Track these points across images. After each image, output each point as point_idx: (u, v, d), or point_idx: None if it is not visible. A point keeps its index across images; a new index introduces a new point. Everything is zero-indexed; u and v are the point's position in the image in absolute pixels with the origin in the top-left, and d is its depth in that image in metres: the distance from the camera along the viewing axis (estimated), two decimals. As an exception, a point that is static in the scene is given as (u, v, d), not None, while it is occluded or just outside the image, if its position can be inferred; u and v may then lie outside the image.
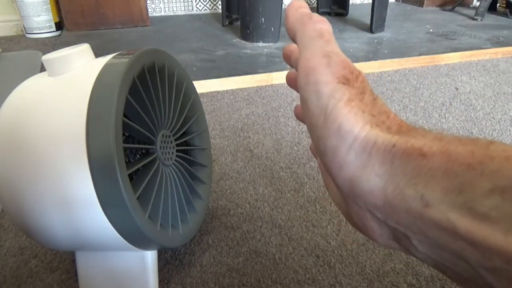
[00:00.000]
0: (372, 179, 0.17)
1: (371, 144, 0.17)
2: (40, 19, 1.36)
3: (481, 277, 0.15)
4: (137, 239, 0.31)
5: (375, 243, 0.19)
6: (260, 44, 1.23)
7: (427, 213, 0.15)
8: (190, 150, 0.48)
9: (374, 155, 0.17)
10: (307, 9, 0.23)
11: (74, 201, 0.29)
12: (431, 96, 0.89)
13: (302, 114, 0.21)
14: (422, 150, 0.16)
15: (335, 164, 0.18)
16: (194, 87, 0.47)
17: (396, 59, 1.08)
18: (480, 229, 0.14)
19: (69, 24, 1.34)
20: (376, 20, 1.35)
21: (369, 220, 0.18)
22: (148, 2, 1.57)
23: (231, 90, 0.92)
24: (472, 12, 1.71)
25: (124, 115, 0.30)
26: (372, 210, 0.18)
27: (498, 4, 1.80)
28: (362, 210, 0.18)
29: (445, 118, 0.79)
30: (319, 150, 0.20)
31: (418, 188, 0.16)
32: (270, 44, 1.23)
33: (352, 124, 0.18)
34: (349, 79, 0.19)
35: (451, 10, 1.81)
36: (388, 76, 1.02)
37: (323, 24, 0.21)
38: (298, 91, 0.21)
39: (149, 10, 1.59)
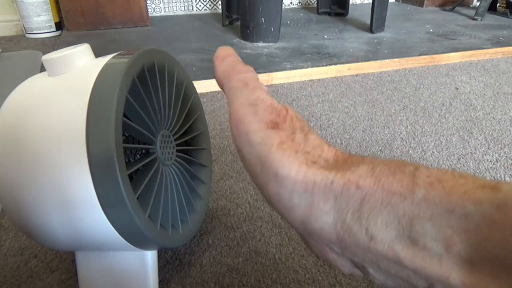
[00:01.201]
0: (320, 217, 0.17)
1: (311, 185, 0.18)
2: (40, 19, 1.36)
3: None
4: (137, 239, 0.31)
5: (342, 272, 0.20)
6: (260, 44, 1.23)
7: (373, 246, 0.16)
8: (190, 150, 0.48)
9: (316, 194, 0.17)
10: (232, 57, 0.23)
11: (74, 201, 0.29)
12: (431, 96, 0.89)
13: (242, 162, 0.21)
14: (358, 183, 0.16)
15: (282, 209, 0.19)
16: (194, 87, 0.47)
17: (396, 59, 1.08)
18: (420, 258, 0.15)
19: (69, 24, 1.34)
20: (376, 20, 1.35)
21: (329, 253, 0.19)
22: (148, 2, 1.57)
23: (231, 90, 0.92)
24: (472, 12, 1.71)
25: (124, 115, 0.30)
26: (329, 245, 0.18)
27: (498, 4, 1.80)
28: (320, 245, 0.19)
29: (445, 118, 0.79)
30: (264, 196, 0.20)
31: (362, 222, 0.16)
32: (270, 44, 1.23)
33: (288, 168, 0.18)
34: (278, 122, 0.20)
35: (451, 10, 1.81)
36: (388, 76, 1.02)
37: (246, 73, 0.22)
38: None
39: (149, 10, 1.59)
